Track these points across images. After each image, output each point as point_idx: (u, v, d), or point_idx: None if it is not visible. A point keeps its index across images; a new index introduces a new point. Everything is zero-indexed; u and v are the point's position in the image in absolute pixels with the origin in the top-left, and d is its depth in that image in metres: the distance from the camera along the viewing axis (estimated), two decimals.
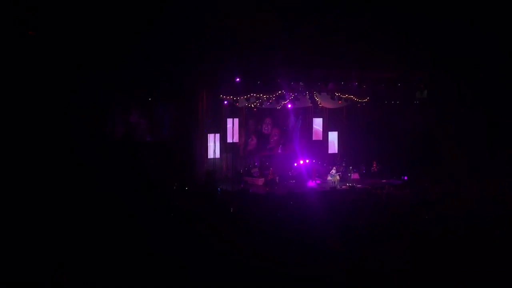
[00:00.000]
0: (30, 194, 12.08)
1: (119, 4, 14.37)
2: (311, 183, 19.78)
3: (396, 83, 20.11)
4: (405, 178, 19.92)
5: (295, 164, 21.15)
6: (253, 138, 21.52)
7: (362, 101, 21.24)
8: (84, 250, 8.87)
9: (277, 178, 19.80)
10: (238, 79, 18.17)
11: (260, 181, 19.48)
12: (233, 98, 19.27)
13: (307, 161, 21.36)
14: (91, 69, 15.67)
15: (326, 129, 22.74)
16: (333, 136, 22.96)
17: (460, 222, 11.20)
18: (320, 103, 20.91)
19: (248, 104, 19.78)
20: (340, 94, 20.54)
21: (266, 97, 19.37)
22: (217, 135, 19.86)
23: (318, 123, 22.59)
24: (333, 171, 20.22)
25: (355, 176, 21.02)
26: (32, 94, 14.48)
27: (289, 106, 20.38)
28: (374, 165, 21.60)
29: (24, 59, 13.90)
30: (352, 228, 11.07)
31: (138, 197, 13.60)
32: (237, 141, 20.53)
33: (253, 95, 19.28)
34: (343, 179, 20.28)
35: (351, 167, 21.20)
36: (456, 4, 14.59)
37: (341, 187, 19.06)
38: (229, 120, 20.08)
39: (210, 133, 19.65)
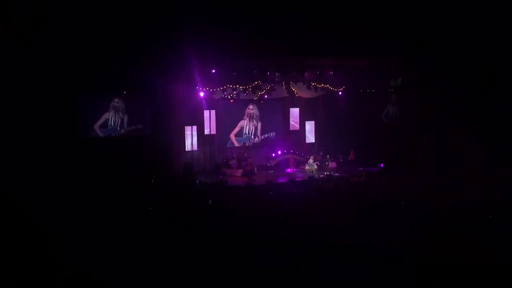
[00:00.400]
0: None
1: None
2: (289, 173, 19.86)
3: (370, 71, 20.25)
4: (381, 165, 20.19)
5: (273, 155, 21.21)
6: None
7: (337, 90, 21.39)
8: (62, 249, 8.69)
9: (255, 168, 19.83)
10: (213, 71, 18.04)
11: (239, 172, 19.47)
12: (209, 89, 19.15)
13: (285, 151, 21.45)
14: (65, 60, 15.39)
15: (303, 118, 22.81)
16: (310, 126, 23.06)
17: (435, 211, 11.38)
18: (296, 93, 20.97)
19: (224, 96, 19.69)
20: (316, 84, 20.63)
21: (242, 88, 19.32)
22: (194, 127, 19.73)
23: (294, 113, 22.63)
24: (311, 160, 20.36)
25: (332, 165, 21.21)
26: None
27: (265, 96, 20.38)
28: (352, 153, 21.83)
29: None
30: (332, 216, 11.16)
31: (113, 193, 13.44)
32: (215, 132, 20.46)
33: (229, 87, 19.19)
34: (320, 168, 20.45)
35: (328, 156, 21.39)
36: None
37: (319, 176, 19.20)
38: (206, 112, 19.98)
39: (187, 125, 19.50)
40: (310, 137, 23.08)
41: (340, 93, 21.57)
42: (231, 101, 20.14)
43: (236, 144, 21.32)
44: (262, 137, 22.05)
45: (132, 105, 18.78)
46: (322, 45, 17.40)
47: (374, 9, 15.33)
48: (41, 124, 15.58)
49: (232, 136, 21.32)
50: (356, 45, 17.88)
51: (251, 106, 21.55)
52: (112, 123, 18.51)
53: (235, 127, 21.48)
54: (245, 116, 21.67)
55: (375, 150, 21.07)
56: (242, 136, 21.60)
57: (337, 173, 19.59)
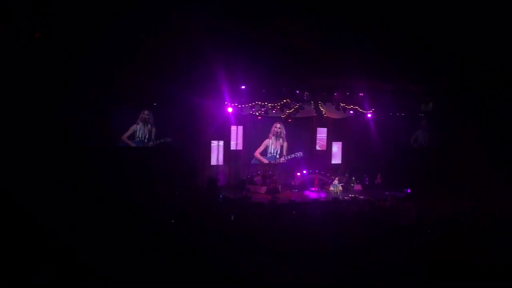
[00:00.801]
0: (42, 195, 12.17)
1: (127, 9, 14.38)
2: (314, 193, 19.68)
3: (401, 95, 20.07)
4: (408, 191, 19.78)
5: (298, 174, 21.08)
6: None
7: (366, 112, 21.21)
8: (84, 252, 8.81)
9: (280, 187, 19.73)
10: (243, 87, 18.18)
11: (263, 189, 19.40)
12: (237, 105, 19.29)
13: (310, 171, 21.30)
14: (96, 72, 15.77)
15: (330, 139, 22.66)
16: (337, 147, 22.87)
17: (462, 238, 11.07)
18: (324, 113, 20.89)
19: (252, 112, 19.79)
20: (345, 105, 20.52)
21: (271, 106, 19.38)
22: (221, 142, 19.85)
23: (322, 133, 22.50)
24: (336, 181, 20.13)
25: (358, 187, 20.92)
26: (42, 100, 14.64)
27: (293, 115, 20.36)
28: (378, 177, 21.50)
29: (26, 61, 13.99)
30: (354, 239, 10.97)
31: (139, 202, 13.59)
32: (241, 148, 20.51)
33: (257, 103, 19.29)
34: (345, 190, 20.18)
35: (354, 178, 21.12)
36: (461, 16, 14.52)
37: (343, 198, 18.95)
38: (233, 127, 20.08)
39: (213, 140, 19.64)
40: (337, 158, 22.86)
41: (369, 115, 21.35)
42: (259, 117, 20.20)
43: (264, 161, 21.29)
44: (288, 157, 21.91)
45: (161, 118, 19.01)
46: (353, 67, 17.31)
47: (407, 34, 15.20)
48: (72, 133, 15.93)
49: (257, 154, 21.30)
50: (387, 68, 17.74)
51: (278, 125, 21.53)
52: (140, 135, 18.73)
53: (260, 145, 21.44)
54: (271, 135, 21.62)
55: (403, 175, 20.68)
56: (267, 155, 21.52)
57: (362, 196, 19.29)
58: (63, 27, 14.02)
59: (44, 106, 14.86)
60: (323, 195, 19.35)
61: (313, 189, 20.42)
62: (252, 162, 21.14)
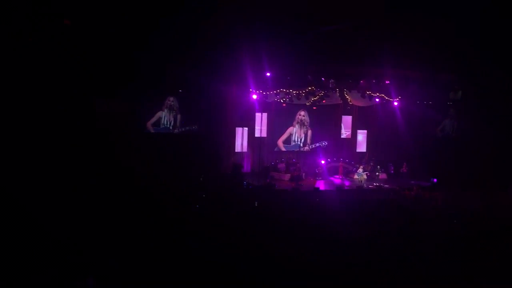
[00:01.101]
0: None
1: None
2: (338, 181, 19.62)
3: (429, 83, 19.69)
4: (435, 180, 19.50)
5: (322, 161, 21.02)
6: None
7: (393, 100, 20.91)
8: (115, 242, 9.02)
9: (303, 174, 19.73)
10: (268, 74, 18.14)
11: (286, 177, 19.45)
12: (262, 92, 19.29)
13: (335, 159, 21.22)
14: (121, 59, 15.95)
15: (355, 127, 22.46)
16: (362, 135, 22.66)
17: (490, 231, 10.89)
18: (350, 101, 20.69)
19: (277, 99, 19.76)
20: (371, 93, 20.27)
21: (295, 93, 19.32)
22: (245, 129, 19.92)
23: (347, 121, 22.31)
24: (360, 170, 20.02)
25: (382, 176, 20.76)
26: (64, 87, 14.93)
27: (319, 102, 20.24)
28: (404, 166, 21.24)
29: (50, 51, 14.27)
30: (377, 229, 10.92)
31: (165, 188, 13.84)
32: (265, 135, 20.54)
33: (282, 90, 19.25)
34: (370, 178, 20.06)
35: (379, 167, 20.95)
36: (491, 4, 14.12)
37: (367, 186, 18.84)
38: (258, 115, 20.11)
39: (238, 127, 19.72)
40: (361, 146, 22.67)
41: (395, 103, 21.04)
42: (284, 105, 20.16)
43: (284, 149, 21.28)
44: (313, 146, 21.82)
45: (187, 105, 19.08)
46: (380, 54, 17.05)
47: (434, 20, 14.87)
48: (104, 121, 16.24)
49: (280, 142, 21.27)
50: (415, 56, 17.42)
51: (302, 112, 21.43)
52: (165, 122, 18.85)
53: (284, 133, 21.41)
54: (295, 122, 21.52)
55: (429, 164, 20.37)
56: (290, 144, 21.45)
57: (387, 184, 19.14)
58: (85, 15, 14.26)
59: (70, 93, 15.19)
60: (347, 183, 19.28)
61: (338, 177, 20.36)
62: (275, 150, 21.17)
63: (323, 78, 19.11)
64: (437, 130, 21.84)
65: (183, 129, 19.09)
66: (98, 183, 13.05)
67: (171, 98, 18.89)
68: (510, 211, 13.17)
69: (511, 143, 18.14)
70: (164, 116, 18.81)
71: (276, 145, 21.19)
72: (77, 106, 15.37)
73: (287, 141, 21.42)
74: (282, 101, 19.85)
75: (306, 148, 21.69)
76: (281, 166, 20.25)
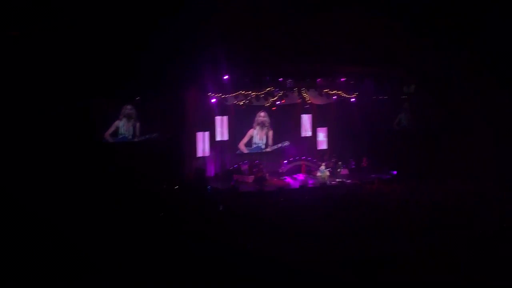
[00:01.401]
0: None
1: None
2: (301, 179, 19.79)
3: (383, 78, 20.21)
4: (394, 173, 20.03)
5: (285, 161, 21.16)
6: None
7: (350, 97, 21.33)
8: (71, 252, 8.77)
9: (267, 175, 19.79)
10: (226, 77, 18.10)
11: (250, 179, 19.45)
12: (221, 96, 19.23)
13: (297, 157, 21.40)
14: (74, 66, 15.53)
15: (315, 125, 22.74)
16: (322, 132, 22.97)
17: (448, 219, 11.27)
18: (308, 100, 20.94)
19: (236, 102, 19.74)
20: (329, 90, 20.60)
21: (254, 95, 19.37)
22: (206, 133, 19.78)
23: (306, 120, 22.54)
24: (323, 167, 20.28)
25: (344, 171, 21.10)
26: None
27: (277, 103, 20.37)
28: (364, 160, 21.69)
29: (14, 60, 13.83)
30: (342, 224, 11.09)
31: (125, 198, 13.53)
32: (226, 139, 20.47)
33: (241, 93, 19.25)
34: (333, 174, 20.35)
35: (340, 163, 21.29)
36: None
37: (330, 182, 19.10)
38: (218, 118, 20.03)
39: (199, 131, 19.56)
40: (322, 144, 22.97)
41: (352, 100, 21.48)
42: (243, 107, 20.17)
43: (246, 152, 21.26)
44: (275, 147, 21.86)
45: (145, 112, 18.71)
46: (334, 52, 17.35)
47: (384, 15, 15.26)
48: (58, 128, 15.76)
49: (241, 145, 21.22)
50: (368, 52, 17.81)
51: (262, 113, 21.49)
52: (124, 131, 18.36)
53: (245, 135, 21.36)
54: (255, 124, 21.53)
55: (388, 157, 20.91)
56: (252, 146, 21.43)
57: (349, 180, 19.47)
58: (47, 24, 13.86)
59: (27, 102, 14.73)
60: (310, 181, 19.47)
61: (301, 175, 20.53)
62: (237, 152, 21.13)
63: (280, 79, 19.22)
64: (394, 124, 22.42)
65: (143, 138, 18.66)
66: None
67: (129, 106, 18.45)
68: (465, 199, 13.65)
69: (464, 132, 18.79)
70: (122, 125, 18.34)
71: (238, 148, 21.16)
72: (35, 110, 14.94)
73: (249, 143, 21.41)
74: (241, 103, 19.85)
75: (268, 149, 21.76)
76: (244, 168, 20.23)
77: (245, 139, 21.32)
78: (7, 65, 14.12)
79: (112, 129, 18.20)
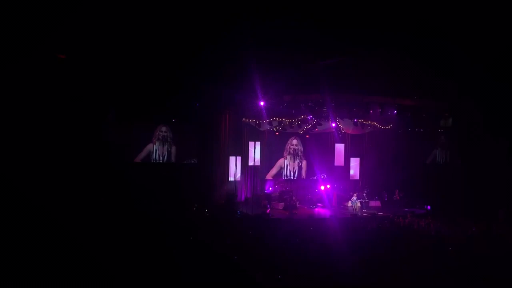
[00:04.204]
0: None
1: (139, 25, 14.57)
2: (332, 210, 19.51)
3: (420, 111, 19.96)
4: (428, 207, 19.51)
5: (316, 190, 20.96)
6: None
7: (385, 128, 21.09)
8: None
9: (297, 202, 19.62)
10: (261, 103, 18.25)
11: (280, 205, 19.33)
12: (255, 121, 19.37)
13: (328, 186, 21.17)
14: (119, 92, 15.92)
15: (348, 155, 22.52)
16: (354, 162, 22.70)
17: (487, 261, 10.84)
18: (342, 129, 20.83)
19: (270, 128, 19.83)
20: (363, 121, 20.47)
21: (288, 121, 19.43)
22: (239, 158, 19.88)
23: (339, 149, 22.34)
24: (354, 197, 19.95)
25: (376, 203, 20.71)
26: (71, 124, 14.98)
27: (312, 130, 20.33)
28: (397, 193, 21.26)
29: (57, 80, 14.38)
30: (373, 257, 10.83)
31: (156, 218, 13.68)
32: (258, 164, 20.50)
33: (275, 119, 19.35)
34: (364, 206, 19.99)
35: (372, 194, 20.92)
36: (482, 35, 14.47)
37: (362, 214, 18.77)
38: (251, 143, 20.12)
39: (231, 155, 19.68)
40: (355, 174, 22.67)
41: (387, 130, 21.22)
42: (277, 133, 20.22)
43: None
44: (315, 178, 21.25)
45: (181, 135, 18.52)
46: (372, 83, 17.31)
47: (429, 51, 15.18)
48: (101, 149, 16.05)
49: (269, 176, 21.00)
50: (407, 84, 17.69)
51: (294, 141, 21.43)
52: (157, 157, 17.63)
53: (273, 166, 20.99)
54: (286, 154, 21.36)
55: (422, 192, 20.42)
56: (282, 178, 21.11)
57: (381, 212, 19.08)
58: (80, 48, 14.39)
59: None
60: (341, 211, 19.17)
61: (332, 205, 20.26)
62: (269, 178, 21.08)
63: (316, 107, 19.24)
64: (429, 156, 21.98)
65: (180, 163, 18.14)
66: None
67: (163, 128, 18.37)
68: (502, 238, 13.15)
69: (502, 169, 18.23)
70: (156, 150, 17.84)
71: (266, 178, 21.09)
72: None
73: (278, 175, 21.19)
74: (275, 129, 19.93)
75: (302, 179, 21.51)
76: (275, 194, 20.15)
77: (274, 171, 21.16)
78: (49, 86, 14.62)
79: (143, 154, 17.68)
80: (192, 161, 18.47)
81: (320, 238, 13.18)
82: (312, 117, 19.51)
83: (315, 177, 21.39)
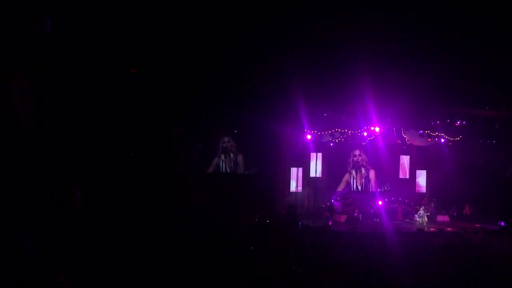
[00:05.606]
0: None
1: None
2: (397, 224, 18.92)
3: (493, 122, 18.94)
4: (502, 224, 18.37)
5: (380, 202, 20.41)
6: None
7: (453, 139, 20.20)
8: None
9: (360, 216, 19.22)
10: (324, 114, 18.16)
11: (343, 218, 19.02)
12: (317, 132, 19.28)
13: (393, 199, 20.57)
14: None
15: (414, 167, 21.77)
16: (421, 175, 21.90)
17: None
18: (407, 140, 20.21)
19: (332, 139, 19.65)
20: (430, 132, 19.74)
21: (351, 133, 19.15)
22: (300, 169, 19.82)
23: (404, 161, 21.68)
24: (421, 211, 19.21)
25: (444, 218, 19.82)
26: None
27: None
28: (467, 208, 20.22)
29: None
30: (443, 276, 10.37)
31: (218, 228, 13.89)
32: (320, 175, 20.34)
33: (337, 130, 19.15)
34: (431, 220, 19.21)
35: (440, 209, 20.06)
36: None
37: (429, 229, 18.02)
38: (313, 155, 20.02)
39: (293, 166, 19.67)
40: (421, 187, 21.86)
41: (457, 142, 20.31)
42: (339, 145, 20.01)
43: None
44: (379, 190, 20.97)
45: (244, 145, 18.89)
46: (441, 92, 16.73)
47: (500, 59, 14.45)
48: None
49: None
50: (476, 93, 16.90)
51: (357, 152, 21.06)
52: (224, 168, 18.36)
53: (340, 182, 20.84)
54: (350, 168, 21.10)
55: (495, 207, 19.25)
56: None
57: (449, 227, 18.23)
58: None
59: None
60: (407, 225, 18.54)
61: (397, 219, 19.65)
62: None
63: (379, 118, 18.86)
64: (506, 171, 20.72)
65: (246, 173, 18.55)
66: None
67: (226, 139, 18.78)
68: None
69: None
70: (222, 162, 18.42)
71: (332, 184, 20.86)
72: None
73: (346, 190, 20.98)
74: (337, 141, 19.72)
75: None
76: (337, 207, 19.85)
77: (341, 186, 20.96)
78: (120, 101, 15.36)
79: (212, 167, 18.37)
80: (254, 170, 18.72)
81: (385, 254, 12.83)
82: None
83: (379, 189, 20.89)
